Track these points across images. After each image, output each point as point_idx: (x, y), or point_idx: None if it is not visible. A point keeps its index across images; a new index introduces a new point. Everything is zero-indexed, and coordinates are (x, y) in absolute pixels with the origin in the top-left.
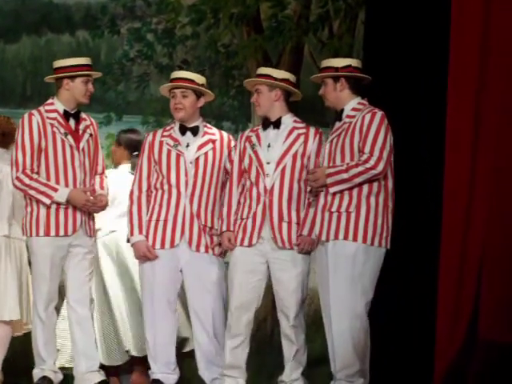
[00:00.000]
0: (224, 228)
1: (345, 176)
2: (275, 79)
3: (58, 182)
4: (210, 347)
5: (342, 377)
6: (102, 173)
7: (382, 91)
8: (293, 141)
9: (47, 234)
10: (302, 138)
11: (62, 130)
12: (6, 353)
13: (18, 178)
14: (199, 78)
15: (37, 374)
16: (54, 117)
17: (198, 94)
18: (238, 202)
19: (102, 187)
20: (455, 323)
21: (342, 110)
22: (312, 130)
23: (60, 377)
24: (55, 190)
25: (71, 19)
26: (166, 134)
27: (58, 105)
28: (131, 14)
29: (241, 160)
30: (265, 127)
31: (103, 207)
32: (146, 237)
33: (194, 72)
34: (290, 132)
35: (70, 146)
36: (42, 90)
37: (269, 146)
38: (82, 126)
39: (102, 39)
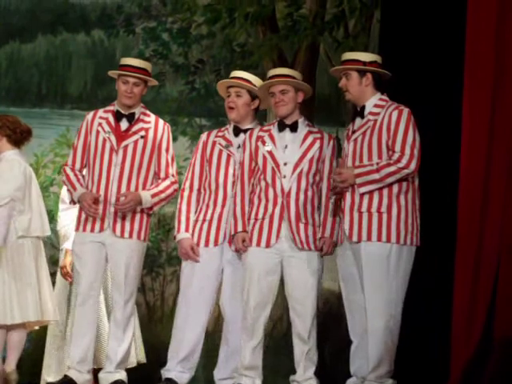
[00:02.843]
0: (239, 228)
1: (376, 176)
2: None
3: (93, 180)
4: (234, 343)
5: (372, 378)
6: (165, 178)
7: (397, 90)
8: (309, 145)
9: (77, 229)
10: (318, 143)
11: (107, 129)
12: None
13: (61, 172)
14: (256, 80)
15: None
16: (106, 117)
17: (254, 96)
18: (251, 202)
19: (148, 189)
20: (471, 323)
21: (364, 107)
22: (326, 136)
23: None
24: (75, 189)
25: (87, 18)
26: (220, 134)
27: (116, 106)
28: (146, 14)
29: (251, 159)
30: (280, 129)
31: (125, 208)
32: (192, 235)
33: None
34: (306, 136)
35: (110, 146)
36: (58, 90)
37: (286, 147)
38: (136, 128)
39: (117, 38)
